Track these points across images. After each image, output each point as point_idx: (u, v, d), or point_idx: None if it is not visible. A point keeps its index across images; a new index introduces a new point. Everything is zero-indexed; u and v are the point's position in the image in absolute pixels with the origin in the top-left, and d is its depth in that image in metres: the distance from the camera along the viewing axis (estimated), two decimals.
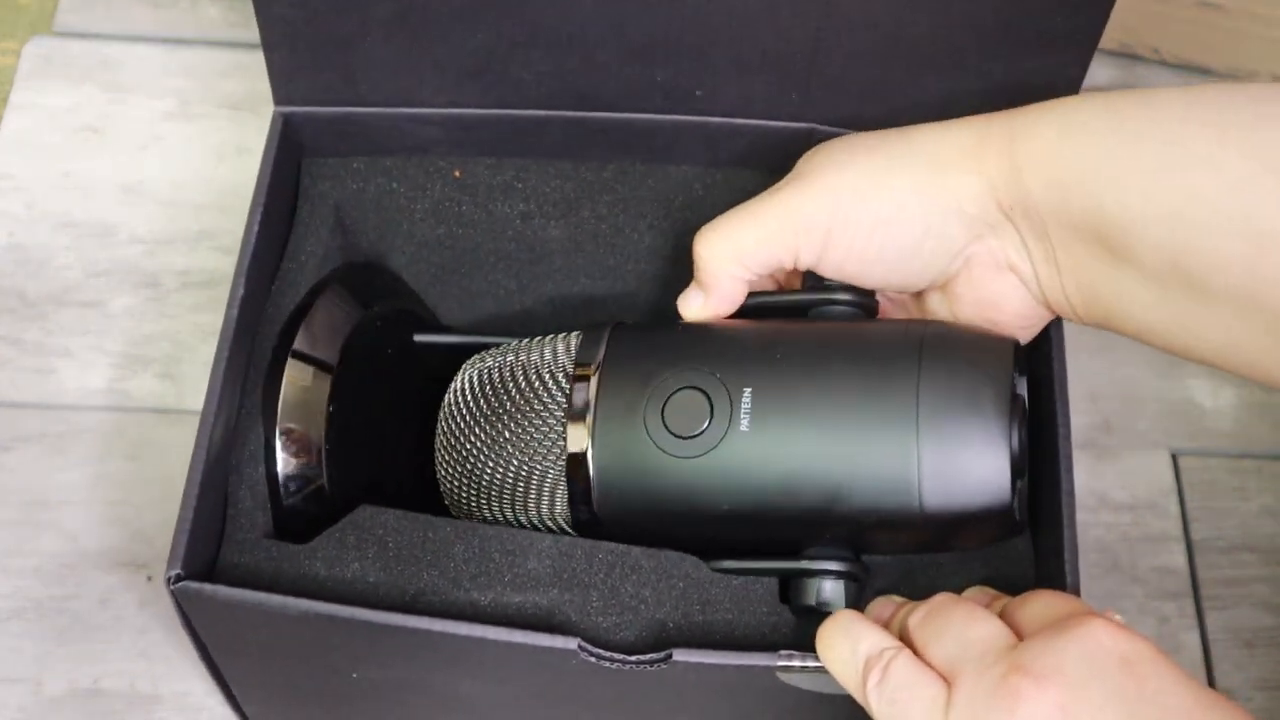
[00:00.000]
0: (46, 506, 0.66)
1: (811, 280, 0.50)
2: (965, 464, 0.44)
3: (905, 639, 0.43)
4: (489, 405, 0.50)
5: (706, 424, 0.46)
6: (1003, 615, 0.43)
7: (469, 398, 0.51)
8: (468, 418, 0.51)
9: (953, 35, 0.53)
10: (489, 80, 0.56)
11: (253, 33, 0.54)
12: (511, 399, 0.50)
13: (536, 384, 0.49)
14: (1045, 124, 0.45)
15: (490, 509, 0.51)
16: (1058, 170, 0.44)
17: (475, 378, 0.51)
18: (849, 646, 0.42)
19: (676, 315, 0.51)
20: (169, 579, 0.46)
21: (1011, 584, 0.48)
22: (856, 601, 0.47)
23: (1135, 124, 0.43)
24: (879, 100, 0.56)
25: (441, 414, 0.52)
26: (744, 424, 0.45)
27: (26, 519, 0.66)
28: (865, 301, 0.49)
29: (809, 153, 0.51)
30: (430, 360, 0.57)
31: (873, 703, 0.41)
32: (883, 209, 0.46)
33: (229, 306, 0.51)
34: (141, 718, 0.62)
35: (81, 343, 0.70)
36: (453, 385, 0.52)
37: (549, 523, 0.49)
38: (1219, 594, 0.67)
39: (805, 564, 0.47)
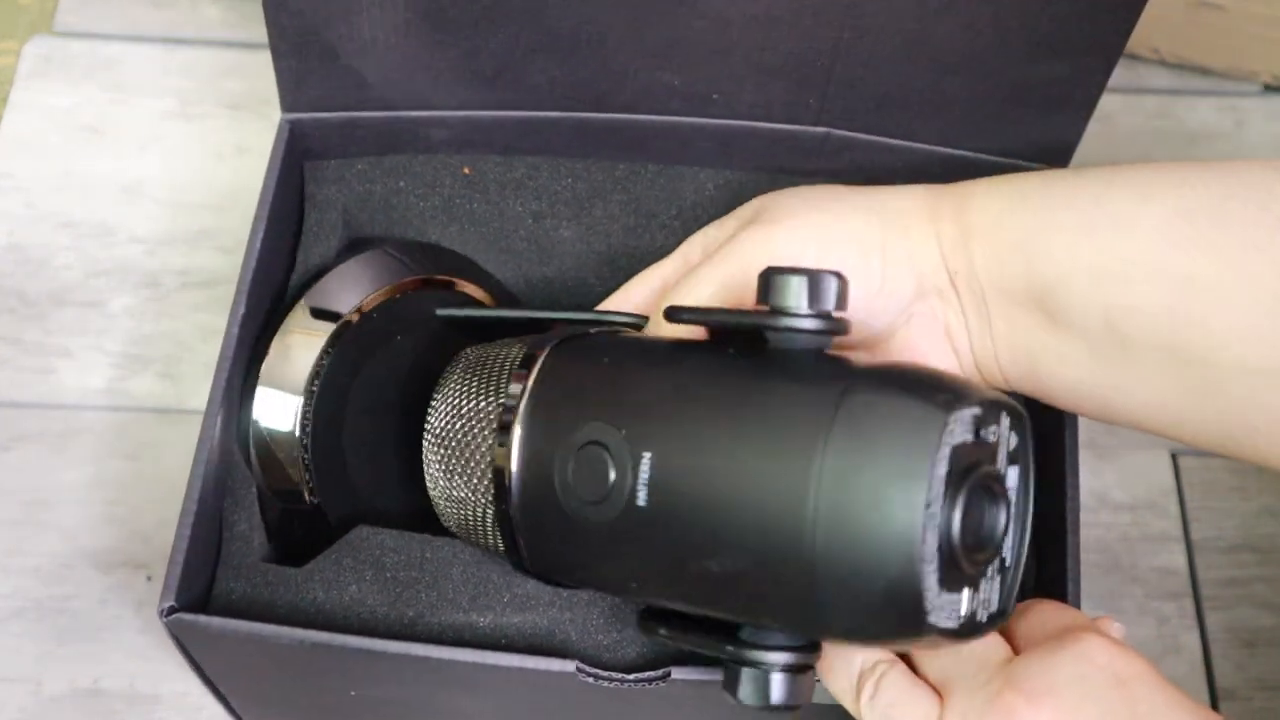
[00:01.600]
0: (46, 506, 0.66)
1: (761, 290, 0.42)
2: (864, 567, 0.37)
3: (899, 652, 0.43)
4: (442, 436, 0.48)
5: (608, 490, 0.41)
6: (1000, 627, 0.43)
7: (432, 420, 0.49)
8: (430, 442, 0.49)
9: (974, 40, 0.53)
10: (504, 84, 0.55)
11: (252, 33, 0.54)
12: (457, 433, 0.48)
13: (474, 420, 0.47)
14: (993, 196, 0.47)
15: (452, 520, 0.49)
16: (999, 238, 0.45)
17: (440, 402, 0.49)
18: (843, 659, 0.42)
19: None
20: (162, 611, 0.46)
21: None
22: (799, 696, 0.41)
23: (1067, 191, 0.45)
24: (898, 105, 0.55)
25: (430, 409, 0.50)
26: (640, 497, 0.40)
27: (26, 519, 0.66)
28: (833, 327, 0.42)
29: (761, 198, 0.51)
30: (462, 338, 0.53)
31: (866, 716, 0.41)
32: (848, 256, 0.46)
33: (229, 324, 0.51)
34: (141, 718, 0.62)
35: (81, 343, 0.70)
36: (432, 401, 0.50)
37: (478, 516, 0.48)
38: (1219, 594, 0.67)
39: (733, 649, 0.41)
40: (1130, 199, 0.43)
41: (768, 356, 0.41)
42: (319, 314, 0.53)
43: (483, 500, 0.46)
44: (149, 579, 0.64)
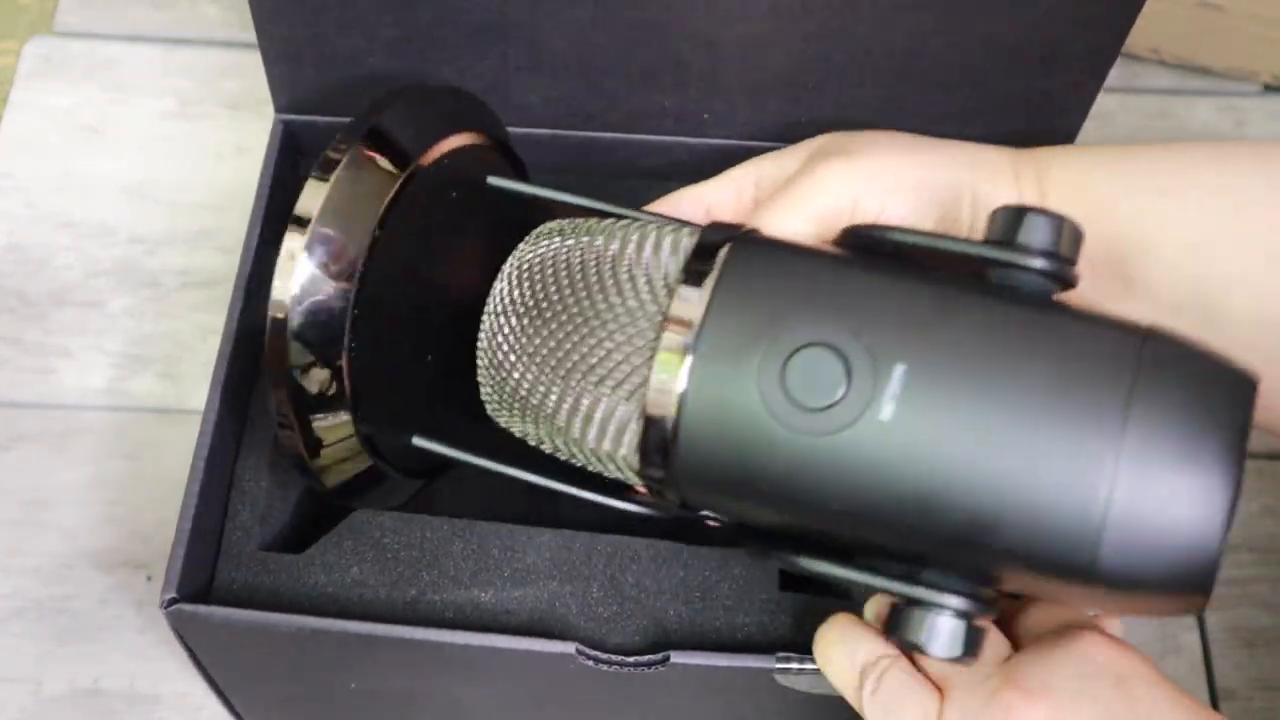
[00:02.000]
0: (46, 506, 0.66)
1: (1001, 226, 0.38)
2: (1166, 528, 0.34)
3: None
4: (548, 301, 0.41)
5: (838, 398, 0.36)
6: (1000, 622, 0.43)
7: (524, 287, 0.42)
8: (515, 314, 0.42)
9: (966, 54, 0.53)
10: (494, 102, 0.56)
11: (252, 33, 0.54)
12: (581, 298, 0.40)
13: (625, 283, 0.39)
14: (1073, 161, 0.46)
15: (537, 428, 0.42)
16: (1079, 201, 0.44)
17: (535, 261, 0.42)
18: (846, 653, 0.42)
19: None
20: (163, 602, 0.46)
21: None
22: (973, 647, 0.38)
23: (1149, 160, 0.44)
24: (890, 121, 0.55)
25: (487, 306, 0.44)
26: (886, 411, 0.35)
27: (26, 519, 0.66)
28: (1063, 272, 0.38)
29: (824, 137, 0.49)
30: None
31: (867, 710, 0.41)
32: (940, 202, 0.45)
33: (227, 322, 0.51)
34: (141, 718, 0.62)
35: (81, 343, 0.70)
36: (505, 268, 0.43)
37: (608, 463, 0.41)
38: (1219, 594, 0.66)
39: (919, 591, 0.37)
40: (1218, 170, 0.43)
41: (1008, 292, 0.37)
42: (384, 151, 0.45)
43: (607, 380, 0.39)
44: (149, 579, 0.64)
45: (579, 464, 0.42)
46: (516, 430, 0.44)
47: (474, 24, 0.52)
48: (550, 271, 0.41)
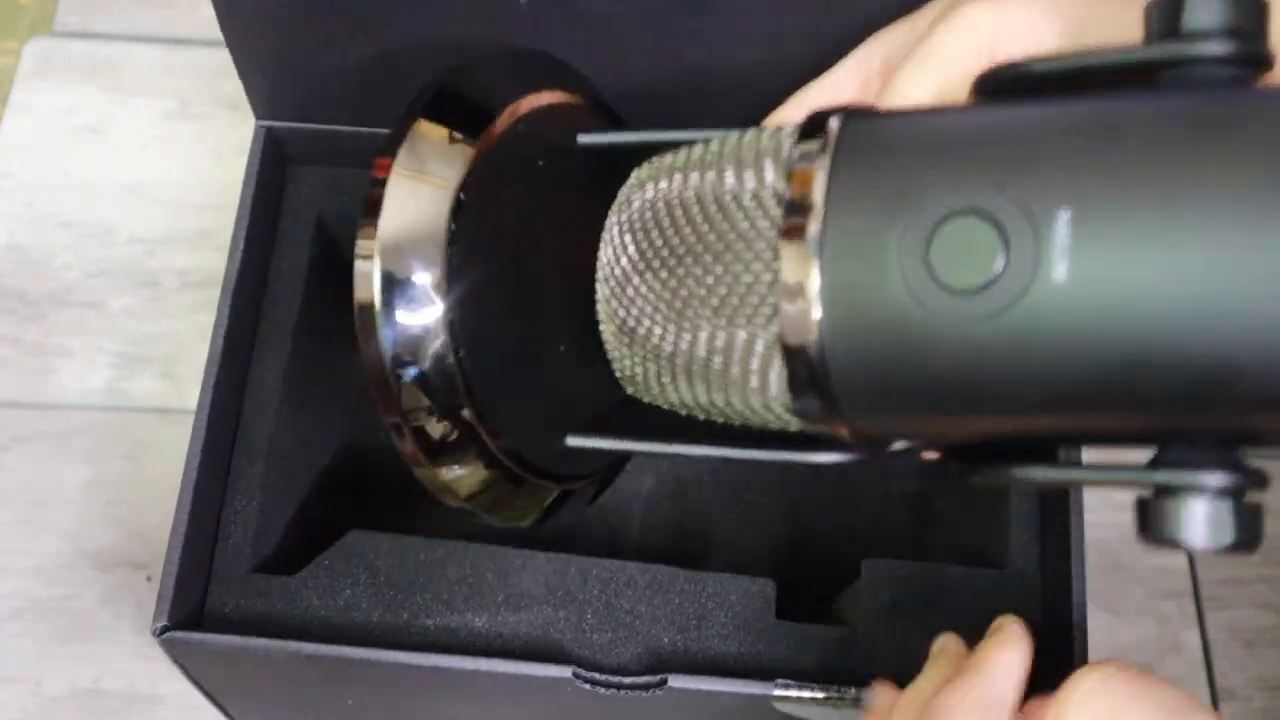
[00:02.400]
0: (46, 506, 0.66)
1: (1159, 18, 0.31)
2: None
3: None
4: (664, 250, 0.36)
5: (998, 271, 0.29)
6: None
7: (632, 243, 0.37)
8: (633, 272, 0.37)
9: None
10: None
11: None
12: (693, 237, 0.35)
13: (730, 206, 0.34)
14: None
15: (681, 391, 0.37)
16: None
17: (637, 214, 0.37)
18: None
19: None
20: (155, 630, 0.45)
21: (1015, 584, 0.48)
22: (1248, 531, 0.30)
23: None
24: None
25: (600, 273, 0.39)
26: (1059, 270, 0.29)
27: (26, 519, 0.66)
28: (1250, 50, 0.30)
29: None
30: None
31: None
32: (1104, 28, 0.35)
33: (215, 329, 0.50)
34: (141, 718, 0.62)
35: (81, 343, 0.70)
36: (607, 231, 0.39)
37: (764, 411, 0.35)
38: (1219, 593, 0.67)
39: (1163, 476, 0.31)
40: None
41: (1185, 92, 0.30)
42: (453, 125, 0.39)
43: (738, 313, 0.34)
44: (149, 579, 0.64)
45: (738, 423, 0.37)
46: (665, 400, 0.38)
47: (445, 53, 0.52)
48: (653, 220, 0.36)
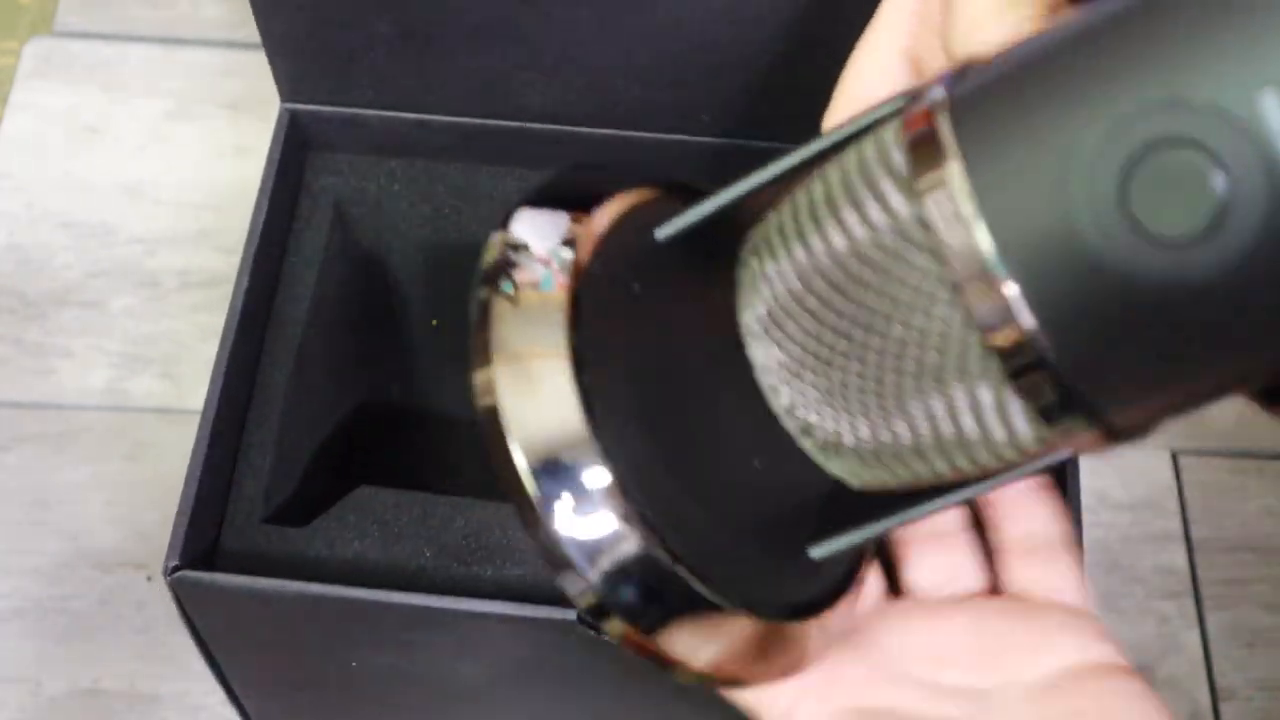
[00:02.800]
0: (46, 506, 0.66)
1: None
2: None
3: None
4: (821, 333, 0.30)
5: (1221, 197, 0.23)
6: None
7: (783, 341, 0.31)
8: (795, 373, 0.31)
9: None
10: (494, 99, 0.56)
11: (252, 33, 0.54)
12: (848, 308, 0.29)
13: (877, 257, 0.29)
14: None
15: (914, 470, 0.31)
16: None
17: (772, 307, 0.31)
18: None
19: None
20: (167, 569, 0.46)
21: None
22: None
23: None
24: None
25: (761, 381, 0.33)
26: None
27: (26, 519, 0.66)
28: None
29: None
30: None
31: None
32: None
33: (234, 296, 0.51)
34: (141, 718, 0.62)
35: (81, 343, 0.70)
36: (745, 330, 0.33)
37: (1011, 453, 0.30)
38: (1219, 594, 0.67)
39: None
40: None
41: None
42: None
43: (965, 381, 0.28)
44: (149, 579, 0.64)
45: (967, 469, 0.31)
46: (896, 481, 0.33)
47: (467, 25, 0.52)
48: (799, 308, 0.31)
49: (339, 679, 0.53)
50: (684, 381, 0.34)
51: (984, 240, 0.26)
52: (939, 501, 0.32)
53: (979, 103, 0.26)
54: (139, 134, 0.76)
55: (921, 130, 0.27)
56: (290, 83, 0.56)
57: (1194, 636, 0.65)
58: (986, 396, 0.28)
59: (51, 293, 0.71)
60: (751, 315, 0.32)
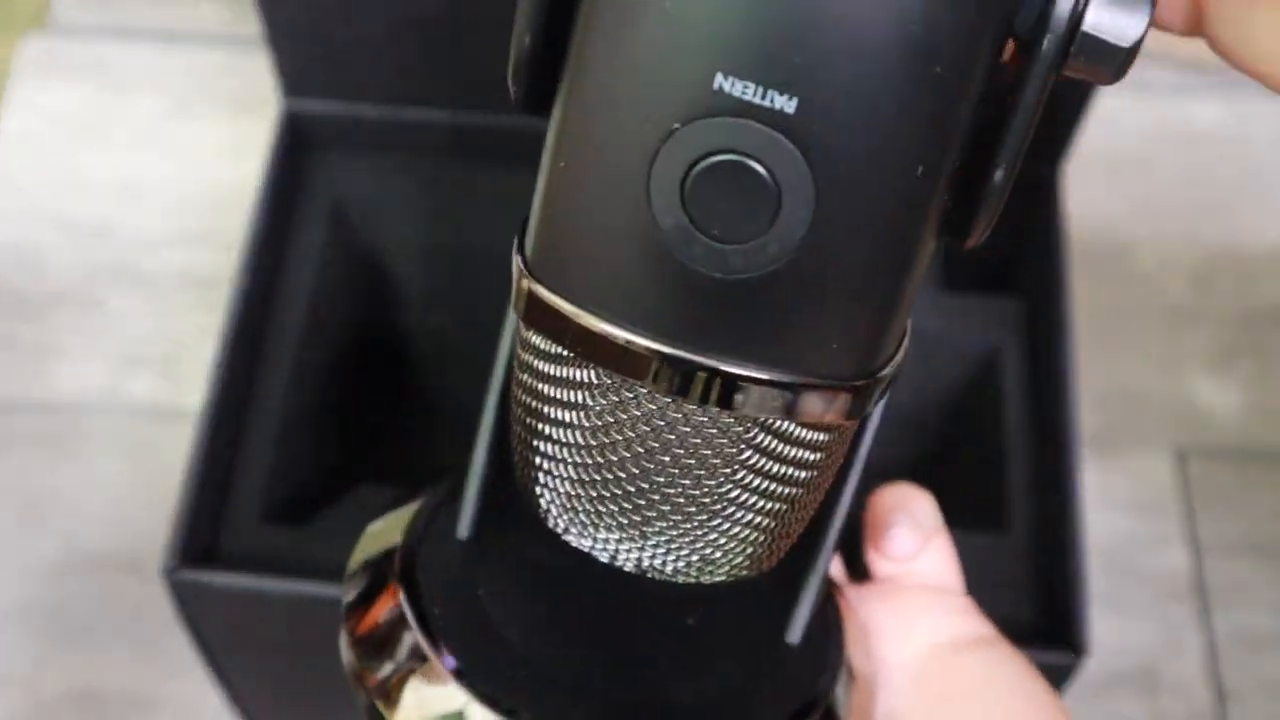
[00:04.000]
0: (46, 506, 0.66)
1: None
2: None
3: None
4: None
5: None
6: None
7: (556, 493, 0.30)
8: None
9: None
10: (494, 95, 0.56)
11: (252, 31, 0.54)
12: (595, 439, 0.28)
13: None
14: None
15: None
16: None
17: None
18: None
19: None
20: (165, 569, 0.46)
21: (1016, 546, 0.49)
22: None
23: None
24: None
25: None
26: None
27: (26, 519, 0.65)
28: None
29: None
30: None
31: None
32: None
33: (232, 295, 0.51)
34: (141, 718, 0.62)
35: (80, 343, 0.70)
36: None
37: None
38: (1224, 596, 0.66)
39: None
40: None
41: None
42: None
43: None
44: (148, 580, 0.64)
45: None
46: (751, 548, 0.31)
47: (463, 22, 0.52)
48: (566, 501, 0.30)
49: (338, 678, 0.53)
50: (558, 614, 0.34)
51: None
52: (829, 534, 0.34)
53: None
54: (139, 134, 0.76)
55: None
56: (291, 78, 0.56)
57: (1199, 639, 0.65)
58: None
59: (50, 292, 0.71)
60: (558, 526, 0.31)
